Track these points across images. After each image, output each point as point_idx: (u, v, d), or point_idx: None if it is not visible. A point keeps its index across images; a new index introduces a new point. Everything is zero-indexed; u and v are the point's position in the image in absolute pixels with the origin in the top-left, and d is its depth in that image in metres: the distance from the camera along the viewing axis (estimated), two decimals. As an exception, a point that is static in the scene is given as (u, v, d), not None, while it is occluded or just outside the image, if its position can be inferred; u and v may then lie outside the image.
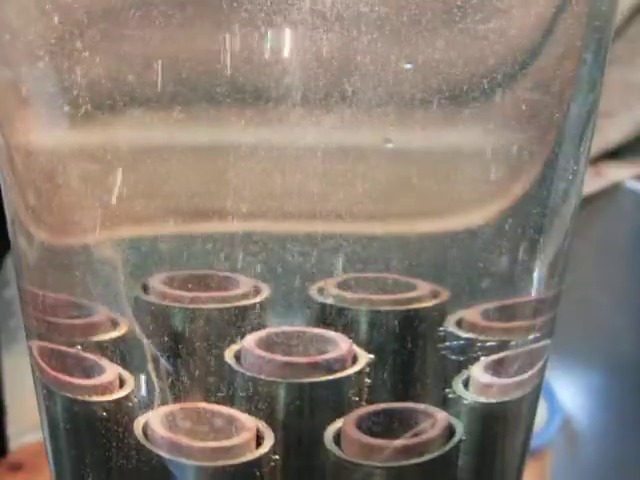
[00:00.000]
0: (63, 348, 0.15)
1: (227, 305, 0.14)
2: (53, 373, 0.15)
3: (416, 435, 0.14)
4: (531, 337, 0.15)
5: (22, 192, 0.15)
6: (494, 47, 0.13)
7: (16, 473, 0.37)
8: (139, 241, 0.14)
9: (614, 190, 0.41)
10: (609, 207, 0.40)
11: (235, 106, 0.13)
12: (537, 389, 0.16)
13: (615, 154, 0.43)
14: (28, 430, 0.39)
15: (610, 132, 0.41)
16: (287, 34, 0.13)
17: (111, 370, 0.15)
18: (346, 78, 0.13)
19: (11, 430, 0.38)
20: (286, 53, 0.13)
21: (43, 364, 0.15)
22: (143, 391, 0.14)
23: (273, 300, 0.14)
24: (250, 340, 0.14)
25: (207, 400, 0.14)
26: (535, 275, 0.15)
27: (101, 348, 0.15)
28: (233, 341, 0.14)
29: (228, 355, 0.14)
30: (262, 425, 0.14)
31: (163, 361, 0.14)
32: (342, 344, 0.14)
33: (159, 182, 0.14)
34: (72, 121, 0.14)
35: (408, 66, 0.13)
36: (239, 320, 0.14)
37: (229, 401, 0.14)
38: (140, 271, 0.14)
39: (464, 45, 0.13)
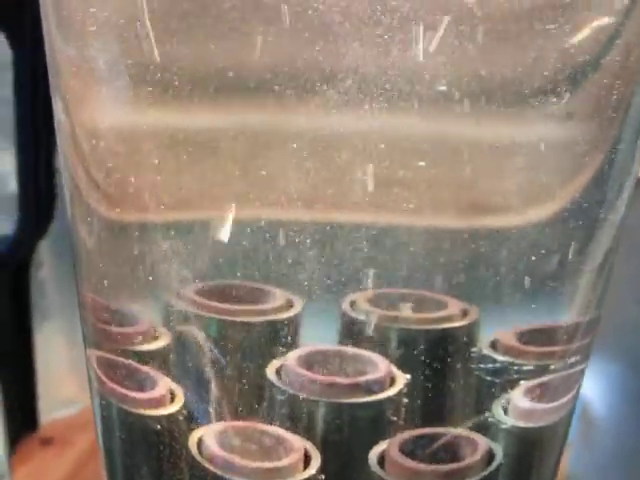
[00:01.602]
0: (116, 358, 0.16)
1: (265, 319, 0.15)
2: (109, 384, 0.16)
3: (458, 460, 0.15)
4: (570, 361, 0.16)
5: (85, 167, 0.15)
6: (560, 43, 0.13)
7: (47, 447, 0.38)
8: (197, 225, 0.15)
9: (638, 183, 0.41)
10: (633, 200, 0.40)
11: (287, 94, 0.13)
12: (572, 410, 0.16)
13: None
14: (59, 405, 0.40)
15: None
16: (340, 27, 0.13)
17: (163, 383, 0.15)
18: (398, 70, 0.13)
19: (42, 405, 0.39)
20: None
21: (100, 374, 0.16)
22: (190, 406, 0.15)
23: (306, 313, 0.14)
24: (291, 358, 0.15)
25: (248, 415, 0.15)
26: (582, 282, 0.15)
27: (149, 359, 0.15)
28: (271, 357, 0.15)
29: (270, 371, 0.15)
30: (309, 446, 0.14)
31: (208, 369, 0.15)
32: (380, 365, 0.15)
33: (223, 168, 0.14)
34: (140, 101, 0.14)
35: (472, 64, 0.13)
36: (278, 334, 0.15)
37: (269, 417, 0.15)
38: (195, 256, 0.15)
39: (530, 41, 0.13)
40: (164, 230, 0.15)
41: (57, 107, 0.16)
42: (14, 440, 0.36)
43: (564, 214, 0.15)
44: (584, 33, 0.14)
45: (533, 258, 0.15)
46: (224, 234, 0.14)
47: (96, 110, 0.15)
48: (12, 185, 0.37)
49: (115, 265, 0.15)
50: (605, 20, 0.14)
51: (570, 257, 0.15)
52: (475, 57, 0.13)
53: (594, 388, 0.41)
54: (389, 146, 0.14)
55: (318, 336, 0.15)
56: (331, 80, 0.13)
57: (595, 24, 0.14)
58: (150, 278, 0.15)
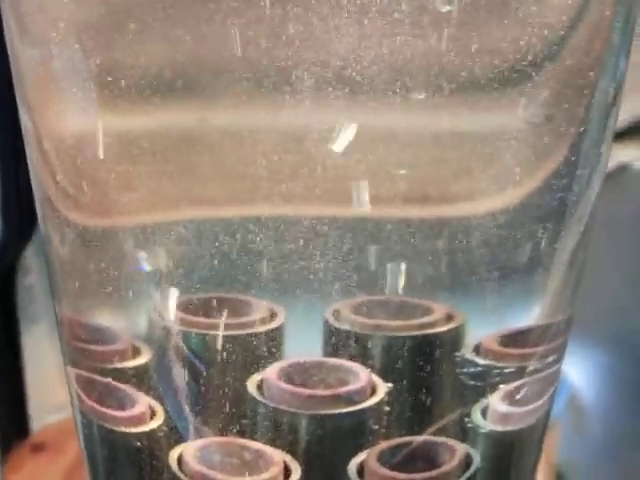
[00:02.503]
0: (95, 376, 0.16)
1: (248, 331, 0.15)
2: (89, 402, 0.16)
3: (436, 467, 0.15)
4: (548, 361, 0.16)
5: (52, 173, 0.15)
6: (523, 28, 0.13)
7: (38, 453, 0.38)
8: (168, 225, 0.14)
9: (621, 171, 0.41)
10: (616, 188, 0.40)
11: (262, 91, 0.13)
12: (549, 412, 0.16)
13: (622, 135, 0.43)
14: (49, 410, 0.40)
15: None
16: (329, 21, 0.13)
17: (142, 401, 0.15)
18: (387, 63, 0.13)
19: (32, 411, 0.39)
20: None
21: (80, 392, 0.16)
22: (171, 422, 0.15)
23: (288, 324, 0.14)
24: (272, 371, 0.15)
25: (229, 429, 0.15)
26: (554, 277, 0.15)
27: (129, 377, 0.15)
28: (254, 369, 0.15)
29: (250, 385, 0.15)
30: (288, 459, 0.15)
31: (186, 386, 0.15)
32: (361, 374, 0.15)
33: (188, 168, 0.14)
34: (102, 104, 0.14)
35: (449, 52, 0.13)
36: (259, 346, 0.15)
37: (251, 431, 0.15)
38: (171, 254, 0.14)
39: (492, 26, 0.13)
40: (137, 238, 0.15)
41: (22, 113, 0.16)
42: (5, 447, 0.36)
43: (530, 203, 0.15)
44: (547, 16, 0.14)
45: (500, 250, 0.15)
46: (201, 239, 0.14)
47: (60, 116, 0.15)
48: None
49: (89, 278, 0.15)
50: (568, 2, 0.14)
51: (540, 248, 0.15)
52: (437, 45, 0.13)
53: (582, 375, 0.41)
54: (358, 144, 0.14)
55: (302, 347, 0.15)
56: (301, 74, 0.13)
57: (557, 6, 0.14)
58: (125, 290, 0.15)
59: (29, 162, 0.16)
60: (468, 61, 0.13)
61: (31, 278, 0.39)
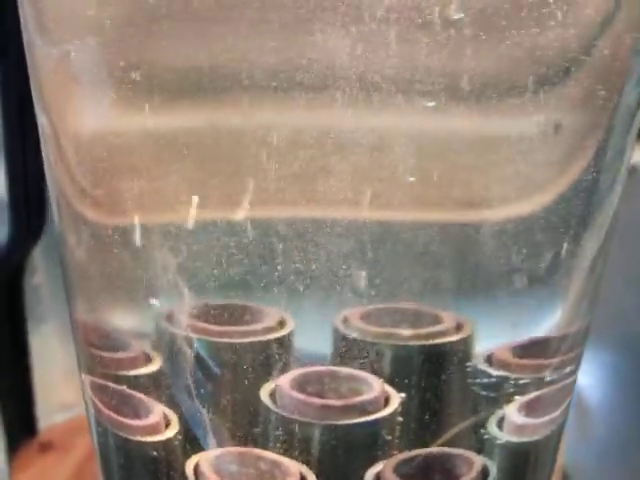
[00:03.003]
0: (109, 384, 0.16)
1: (257, 339, 0.15)
2: (105, 410, 0.16)
3: (453, 479, 0.15)
4: (565, 371, 0.16)
5: (69, 172, 0.15)
6: (550, 35, 0.13)
7: (47, 452, 0.38)
8: (184, 226, 0.14)
9: (631, 173, 0.41)
10: (624, 190, 0.40)
11: (277, 93, 0.13)
12: (564, 423, 0.16)
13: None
14: (57, 410, 0.40)
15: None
16: (342, 24, 0.13)
17: (157, 409, 0.15)
18: (402, 67, 0.13)
19: (40, 410, 0.39)
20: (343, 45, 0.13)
21: (95, 400, 0.16)
22: (186, 431, 0.15)
23: (298, 331, 0.14)
24: (284, 380, 0.15)
25: (244, 438, 0.15)
26: (574, 285, 0.15)
27: (142, 384, 0.15)
28: (265, 377, 0.15)
29: (263, 394, 0.15)
30: (305, 470, 0.15)
31: (194, 397, 0.15)
32: (375, 384, 0.15)
33: (207, 167, 0.14)
34: (120, 103, 0.14)
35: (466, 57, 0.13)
36: (269, 353, 0.15)
37: (265, 440, 0.15)
38: (186, 256, 0.14)
39: (521, 34, 0.13)
40: (151, 241, 0.15)
41: (39, 111, 0.16)
42: (13, 446, 0.36)
43: (551, 210, 0.14)
44: (575, 24, 0.14)
45: (522, 255, 0.14)
46: (213, 245, 0.14)
47: (77, 114, 0.15)
48: (3, 192, 0.37)
49: (105, 280, 0.15)
50: (595, 11, 0.14)
51: (560, 256, 0.15)
52: (463, 51, 0.13)
53: (589, 376, 0.41)
54: (374, 148, 0.14)
55: (311, 354, 0.15)
56: (312, 78, 0.13)
57: (585, 14, 0.14)
58: (139, 292, 0.15)
59: (45, 161, 0.16)
60: (493, 67, 0.13)
61: (39, 278, 0.39)
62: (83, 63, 0.14)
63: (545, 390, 0.16)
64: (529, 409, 0.15)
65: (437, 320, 0.15)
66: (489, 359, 0.15)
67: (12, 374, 0.38)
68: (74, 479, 0.37)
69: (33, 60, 0.15)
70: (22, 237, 0.37)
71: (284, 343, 0.15)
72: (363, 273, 0.14)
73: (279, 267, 0.14)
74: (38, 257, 0.39)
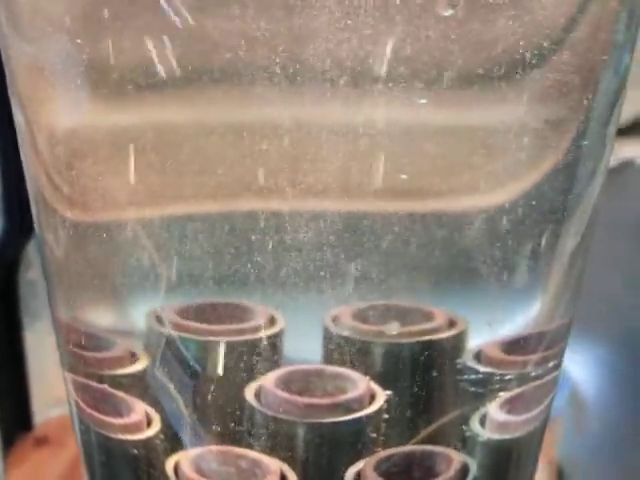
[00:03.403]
0: (91, 383, 0.16)
1: (247, 338, 0.15)
2: (86, 408, 0.16)
3: (433, 476, 0.15)
4: (549, 366, 0.16)
5: (45, 170, 0.15)
6: (526, 24, 0.13)
7: (41, 447, 0.38)
8: (165, 221, 0.14)
9: (625, 167, 0.41)
10: (619, 184, 0.40)
11: (264, 84, 0.13)
12: (546, 420, 0.16)
13: (626, 130, 0.43)
14: (52, 405, 0.40)
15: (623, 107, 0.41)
16: (336, 16, 0.13)
17: (138, 408, 0.15)
18: (385, 57, 0.13)
19: (35, 405, 0.39)
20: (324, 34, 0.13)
21: (77, 398, 0.16)
22: (167, 430, 0.15)
23: (288, 330, 0.14)
24: (270, 379, 0.15)
25: (227, 437, 0.15)
26: (553, 273, 0.15)
27: (125, 383, 0.15)
28: (253, 376, 0.15)
29: (248, 393, 0.15)
30: (285, 468, 0.15)
31: (180, 395, 0.15)
32: (360, 382, 0.15)
33: (182, 165, 0.14)
34: (96, 100, 0.14)
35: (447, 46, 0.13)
36: (258, 352, 0.15)
37: (249, 439, 0.15)
38: (168, 252, 0.14)
39: (496, 23, 0.13)
40: (132, 238, 0.14)
41: (15, 110, 0.15)
42: (8, 441, 0.36)
43: (530, 200, 0.14)
44: (551, 11, 0.13)
45: (499, 249, 0.14)
46: (198, 242, 0.14)
47: (53, 112, 0.15)
48: (-4, 187, 0.37)
49: (85, 280, 0.15)
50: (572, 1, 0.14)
51: (540, 248, 0.15)
52: (437, 39, 0.13)
53: (583, 372, 0.41)
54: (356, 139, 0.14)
55: (301, 353, 0.15)
56: (306, 67, 0.13)
57: (562, 3, 0.14)
58: (121, 292, 0.15)
59: (22, 160, 0.16)
60: (470, 56, 0.13)
61: (33, 273, 0.39)
62: (56, 60, 0.14)
63: (528, 386, 0.16)
64: (511, 406, 0.15)
65: (429, 317, 0.15)
66: (478, 356, 0.15)
67: (7, 369, 0.38)
68: (69, 473, 0.37)
69: (7, 57, 0.15)
70: (16, 232, 0.37)
71: (274, 342, 0.15)
72: (352, 273, 0.14)
73: (268, 265, 0.14)
74: (33, 252, 0.39)
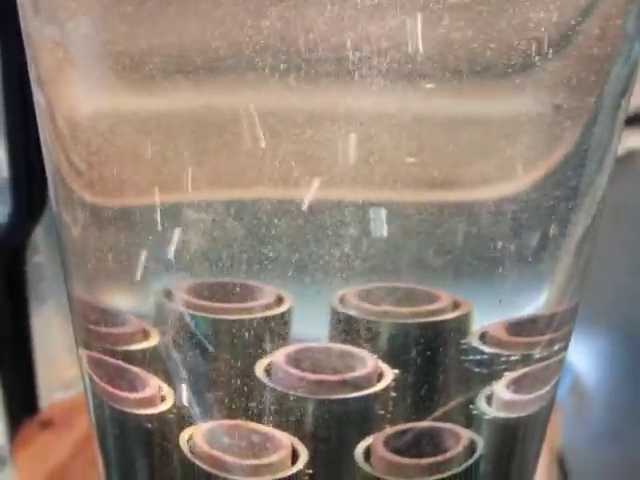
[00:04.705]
0: (106, 358, 0.16)
1: (254, 316, 0.15)
2: (100, 383, 0.16)
3: (441, 452, 0.15)
4: (554, 349, 0.16)
5: (65, 152, 0.15)
6: (535, 14, 0.13)
7: (47, 430, 0.38)
8: (180, 205, 0.14)
9: (631, 157, 0.41)
10: (625, 174, 0.40)
11: (283, 74, 0.13)
12: (553, 400, 0.17)
13: (632, 120, 0.43)
14: (58, 387, 0.40)
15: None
16: (342, 6, 0.13)
17: (152, 383, 0.16)
18: (400, 48, 0.13)
19: (41, 388, 0.40)
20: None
21: (92, 373, 0.16)
22: (180, 404, 0.15)
23: (296, 309, 0.15)
24: (280, 356, 0.15)
25: (238, 412, 0.15)
26: (562, 258, 0.15)
27: (139, 359, 0.15)
28: (261, 354, 0.15)
29: (259, 369, 0.15)
30: (296, 442, 0.15)
31: (187, 371, 0.15)
32: (368, 361, 0.15)
33: (200, 151, 0.14)
34: (117, 83, 0.14)
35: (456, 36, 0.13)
36: (266, 331, 0.15)
37: (259, 414, 0.15)
38: (182, 234, 0.14)
39: (509, 13, 0.13)
40: (148, 220, 0.15)
41: (36, 91, 0.16)
42: (14, 424, 0.37)
43: (540, 190, 0.15)
44: (562, 5, 0.14)
45: (508, 237, 0.15)
46: (211, 223, 0.14)
47: (74, 94, 0.15)
48: (4, 171, 0.37)
49: (101, 258, 0.16)
50: None
51: (549, 235, 0.15)
52: (449, 30, 0.13)
53: (585, 361, 0.42)
54: (369, 127, 0.14)
55: (309, 332, 0.15)
56: (315, 58, 0.13)
57: None
58: (136, 271, 0.15)
59: (42, 141, 0.16)
60: (480, 47, 0.13)
61: (40, 257, 0.39)
62: (78, 43, 0.14)
63: (534, 367, 0.16)
64: (517, 386, 0.16)
65: (434, 299, 0.15)
66: (483, 337, 0.15)
67: (14, 352, 0.39)
68: (75, 456, 0.37)
69: (29, 39, 0.15)
70: (23, 216, 0.38)
71: (281, 321, 0.15)
72: (361, 252, 0.14)
73: (277, 246, 0.14)
74: (40, 236, 0.39)
